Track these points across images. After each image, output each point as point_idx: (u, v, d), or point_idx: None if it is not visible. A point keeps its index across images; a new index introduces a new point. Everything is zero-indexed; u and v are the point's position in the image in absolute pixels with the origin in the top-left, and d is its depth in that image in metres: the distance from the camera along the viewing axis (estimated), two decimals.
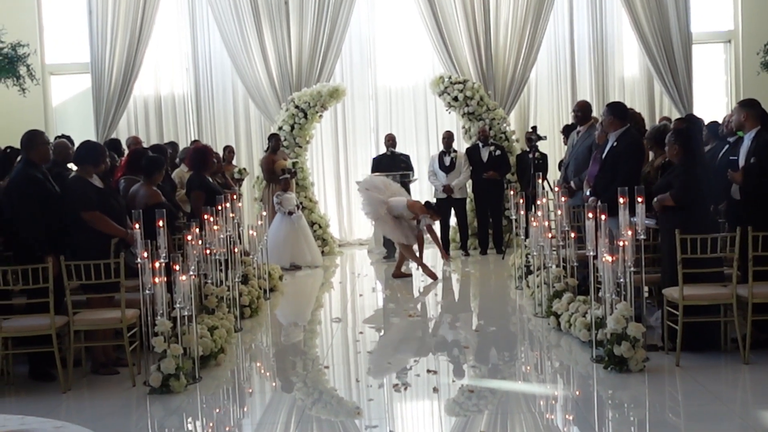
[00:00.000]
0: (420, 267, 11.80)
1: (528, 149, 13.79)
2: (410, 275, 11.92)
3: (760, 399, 6.48)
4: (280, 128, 14.77)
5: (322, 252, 14.21)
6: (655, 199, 7.49)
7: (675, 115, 14.27)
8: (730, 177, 7.58)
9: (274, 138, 14.09)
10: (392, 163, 13.70)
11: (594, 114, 10.60)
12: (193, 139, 14.84)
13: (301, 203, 13.88)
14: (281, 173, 13.50)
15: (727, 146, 8.31)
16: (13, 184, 7.48)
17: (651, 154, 9.03)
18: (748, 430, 5.71)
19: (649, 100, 15.76)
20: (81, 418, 6.39)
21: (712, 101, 15.86)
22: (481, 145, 14.04)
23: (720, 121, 9.14)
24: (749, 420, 5.88)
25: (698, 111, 13.89)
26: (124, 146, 12.12)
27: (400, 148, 14.35)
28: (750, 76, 15.06)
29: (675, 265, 7.05)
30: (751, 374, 6.87)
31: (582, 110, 10.25)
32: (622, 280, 7.00)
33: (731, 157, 7.82)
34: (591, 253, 7.38)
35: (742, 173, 7.47)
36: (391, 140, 14.10)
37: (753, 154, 7.46)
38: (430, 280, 11.66)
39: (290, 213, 13.13)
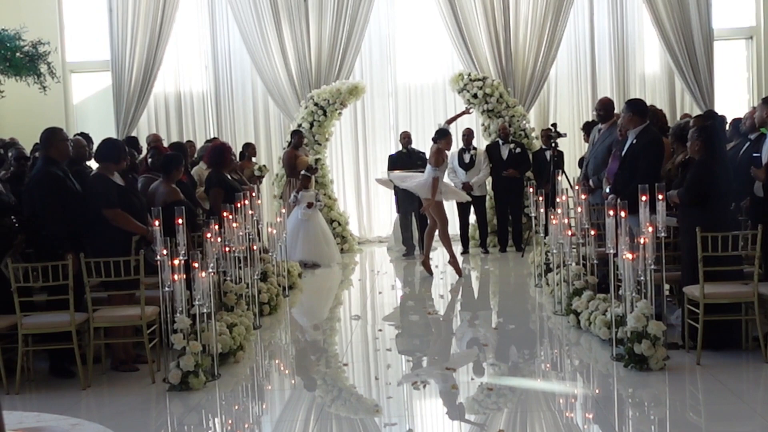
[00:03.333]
0: (450, 258, 11.71)
1: (545, 146, 13.74)
2: (432, 274, 11.84)
3: None
4: (300, 125, 14.79)
5: (342, 250, 14.21)
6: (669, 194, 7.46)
7: (696, 111, 14.19)
8: (753, 174, 7.52)
9: (296, 134, 14.12)
10: (409, 161, 13.68)
11: (616, 111, 10.53)
12: (212, 136, 14.85)
13: (318, 196, 13.86)
14: (306, 169, 13.49)
15: (748, 143, 8.24)
16: (33, 181, 7.52)
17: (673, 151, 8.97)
18: None
19: (670, 97, 15.67)
20: (100, 415, 6.43)
21: (734, 98, 15.74)
22: (501, 142, 14.00)
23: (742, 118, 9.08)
24: None
25: (719, 108, 13.80)
26: (143, 144, 12.17)
27: (419, 146, 14.34)
28: None
29: (696, 263, 7.00)
30: None
31: (605, 108, 10.18)
32: (642, 278, 6.96)
33: (754, 154, 7.76)
34: (611, 251, 7.34)
35: (765, 170, 7.41)
36: (406, 138, 14.09)
37: None
38: (449, 277, 11.63)
39: (309, 205, 13.10)
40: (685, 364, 7.05)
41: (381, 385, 7.10)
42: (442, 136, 11.31)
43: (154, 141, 11.92)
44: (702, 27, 15.00)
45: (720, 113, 11.11)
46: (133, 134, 14.38)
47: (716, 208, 7.31)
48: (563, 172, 11.83)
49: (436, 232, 11.73)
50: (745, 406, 6.11)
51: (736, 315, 7.27)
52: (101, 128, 13.90)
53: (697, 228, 6.98)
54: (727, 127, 10.20)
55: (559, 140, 12.97)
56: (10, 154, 8.80)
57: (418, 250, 13.46)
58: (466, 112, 12.96)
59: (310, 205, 13.12)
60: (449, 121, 12.05)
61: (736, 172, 7.72)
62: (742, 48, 16.05)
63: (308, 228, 13.15)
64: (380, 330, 9.02)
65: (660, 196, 7.18)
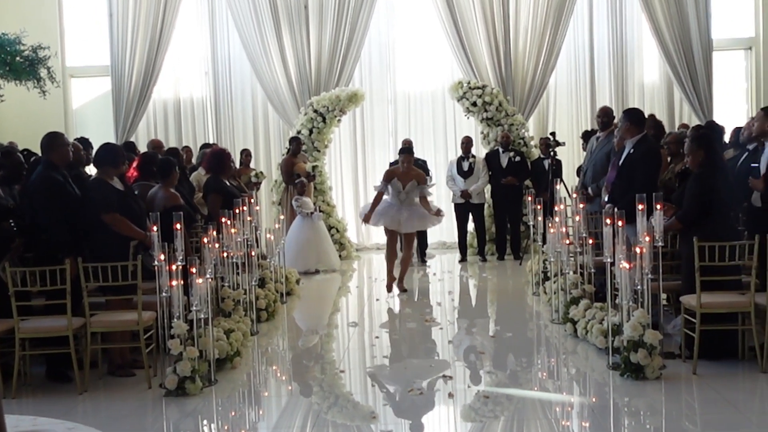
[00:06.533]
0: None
1: (544, 155, 13.75)
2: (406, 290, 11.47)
3: None
4: (299, 132, 14.80)
5: (340, 256, 14.23)
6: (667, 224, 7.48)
7: (694, 121, 14.22)
8: (751, 184, 7.54)
9: (295, 141, 14.14)
10: None
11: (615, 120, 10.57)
12: (211, 142, 14.84)
13: (318, 207, 13.90)
14: (303, 176, 13.53)
15: (746, 153, 8.25)
16: (33, 185, 7.52)
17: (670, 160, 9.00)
18: None
19: (669, 107, 15.68)
20: (96, 420, 6.43)
21: (733, 108, 15.76)
22: (501, 150, 14.02)
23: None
24: (767, 429, 5.83)
25: (718, 118, 13.80)
26: (143, 149, 12.18)
27: (418, 153, 14.30)
28: None
29: (693, 273, 7.01)
30: None
31: (607, 116, 10.26)
32: (639, 287, 6.97)
33: (752, 164, 7.78)
34: (608, 260, 7.35)
35: (763, 180, 7.42)
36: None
37: None
38: (447, 286, 11.63)
39: (311, 213, 13.17)
40: (681, 374, 7.05)
41: (378, 392, 7.12)
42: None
43: (154, 146, 11.95)
44: (701, 37, 15.02)
45: (719, 123, 11.13)
46: (132, 139, 14.37)
47: (716, 219, 7.33)
48: (561, 180, 11.84)
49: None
50: (741, 416, 6.12)
51: (733, 325, 7.27)
52: (100, 133, 13.88)
53: (694, 238, 6.99)
54: (729, 137, 10.24)
55: (557, 149, 12.99)
56: None
57: (416, 257, 13.45)
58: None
59: (311, 214, 13.17)
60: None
61: (736, 182, 7.74)
62: (741, 58, 16.08)
63: (314, 234, 13.19)
64: (377, 337, 9.03)
65: (657, 206, 7.20)
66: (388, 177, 10.91)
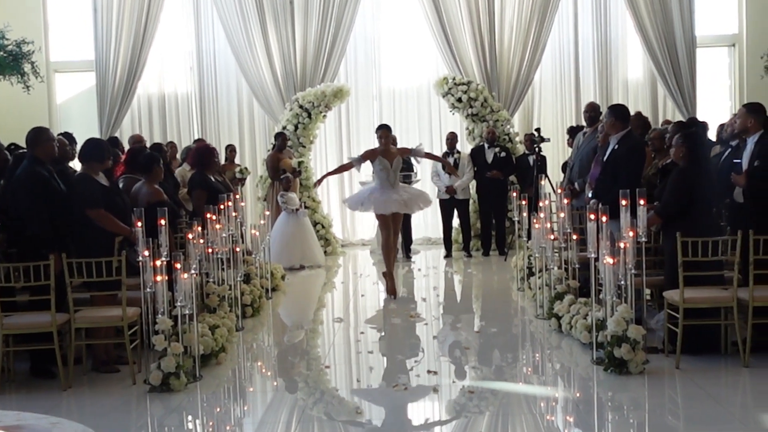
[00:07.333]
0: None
1: (529, 151, 13.79)
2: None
3: (759, 402, 6.48)
4: (284, 128, 14.77)
5: (325, 252, 14.23)
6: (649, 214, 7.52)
7: (678, 118, 14.29)
8: (734, 180, 7.59)
9: (280, 137, 14.12)
10: None
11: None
12: (196, 138, 14.83)
13: (304, 203, 13.90)
14: (287, 172, 13.52)
15: (729, 149, 8.31)
16: (18, 181, 7.49)
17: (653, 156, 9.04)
18: None
19: (653, 103, 15.73)
20: (81, 416, 6.42)
21: (716, 105, 15.84)
22: (486, 146, 14.03)
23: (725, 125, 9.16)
24: (749, 423, 5.88)
25: (701, 114, 13.90)
26: (125, 144, 12.14)
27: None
28: (754, 80, 15.03)
29: (676, 268, 7.05)
30: (751, 377, 6.87)
31: (594, 111, 10.33)
32: (623, 282, 7.00)
33: (735, 160, 7.83)
34: (592, 255, 7.38)
35: (745, 176, 7.48)
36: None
37: (757, 157, 7.47)
38: (432, 282, 11.65)
39: (296, 210, 13.17)
40: (664, 368, 7.09)
41: (362, 388, 7.13)
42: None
43: (136, 141, 11.92)
44: (685, 34, 15.08)
45: (702, 120, 11.19)
46: (116, 135, 14.32)
47: (698, 214, 7.37)
48: (546, 176, 11.89)
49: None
50: (724, 411, 6.16)
51: (716, 320, 7.32)
52: (85, 128, 13.86)
53: (677, 233, 7.03)
54: (714, 133, 10.29)
55: (542, 145, 13.02)
56: None
57: (401, 253, 13.45)
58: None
59: (296, 210, 13.17)
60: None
61: (718, 178, 7.78)
62: (725, 55, 16.14)
63: (298, 230, 13.18)
64: (362, 333, 9.04)
65: (641, 201, 7.23)
66: (369, 156, 10.46)
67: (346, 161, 10.89)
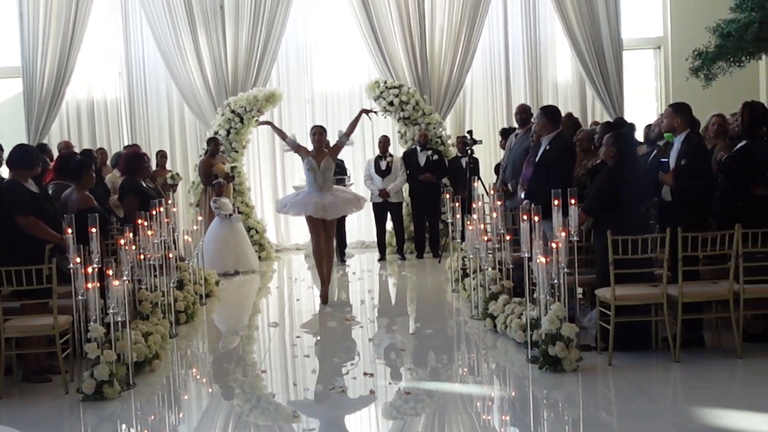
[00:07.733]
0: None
1: (461, 154, 13.88)
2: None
3: (689, 396, 6.60)
4: (216, 133, 14.67)
5: (259, 257, 14.15)
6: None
7: (606, 119, 14.42)
8: (661, 179, 7.73)
9: (213, 141, 14.01)
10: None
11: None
12: (126, 143, 14.61)
13: (237, 208, 13.82)
14: (220, 177, 13.43)
15: (656, 149, 8.46)
16: None
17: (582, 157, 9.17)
18: (679, 427, 5.81)
19: (582, 105, 15.95)
20: (13, 427, 6.29)
21: (642, 106, 16.13)
22: (419, 149, 14.09)
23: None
24: (679, 417, 5.99)
25: (628, 115, 14.11)
26: (54, 150, 11.94)
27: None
28: (679, 81, 15.28)
29: (607, 266, 7.16)
30: (681, 372, 7.01)
31: (525, 113, 10.47)
32: (555, 281, 7.09)
33: (662, 159, 7.98)
34: (526, 255, 7.46)
35: (673, 175, 7.62)
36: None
37: (683, 156, 7.61)
38: (367, 285, 11.66)
39: (230, 215, 13.09)
40: (597, 365, 7.19)
41: (299, 392, 7.12)
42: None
43: (65, 147, 11.73)
44: (612, 37, 15.33)
45: (629, 120, 11.37)
46: (45, 141, 14.07)
47: (626, 212, 7.49)
48: (479, 178, 11.97)
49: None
50: (655, 405, 6.27)
51: (646, 316, 7.45)
52: (12, 135, 13.55)
53: (608, 231, 7.14)
54: (641, 134, 10.46)
55: (474, 147, 13.11)
56: None
57: (337, 257, 13.39)
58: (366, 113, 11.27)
59: (230, 215, 13.09)
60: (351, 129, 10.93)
61: (646, 177, 7.92)
62: (651, 57, 16.46)
63: (232, 235, 13.09)
64: (298, 337, 9.01)
65: (573, 201, 7.33)
66: (302, 150, 10.45)
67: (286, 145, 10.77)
